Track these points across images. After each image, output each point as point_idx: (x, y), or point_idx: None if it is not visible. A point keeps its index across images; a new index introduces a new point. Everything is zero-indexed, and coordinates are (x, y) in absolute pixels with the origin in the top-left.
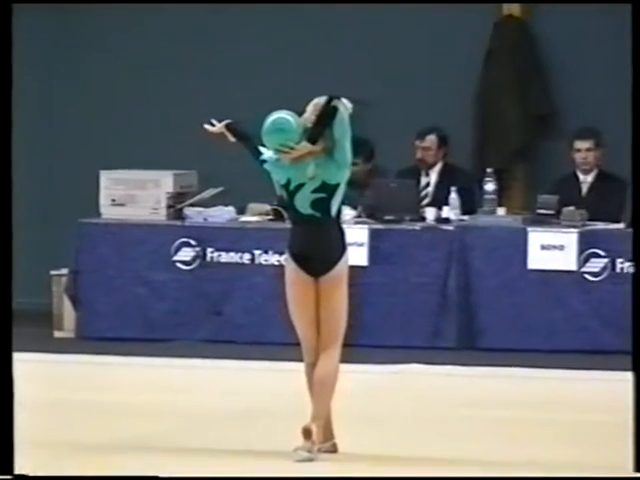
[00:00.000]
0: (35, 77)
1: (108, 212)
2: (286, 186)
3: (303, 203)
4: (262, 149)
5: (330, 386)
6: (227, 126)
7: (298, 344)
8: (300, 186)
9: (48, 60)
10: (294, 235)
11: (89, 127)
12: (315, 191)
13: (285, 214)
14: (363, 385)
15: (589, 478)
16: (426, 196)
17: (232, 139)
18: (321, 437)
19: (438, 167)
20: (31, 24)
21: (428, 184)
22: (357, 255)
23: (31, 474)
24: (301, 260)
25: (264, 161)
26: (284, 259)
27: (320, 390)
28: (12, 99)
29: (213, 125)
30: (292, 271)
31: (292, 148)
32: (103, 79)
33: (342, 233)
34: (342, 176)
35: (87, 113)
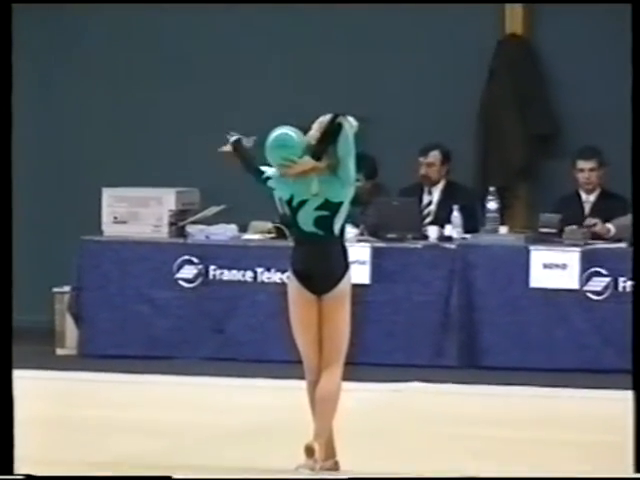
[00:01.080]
0: (38, 92)
1: (110, 230)
2: (289, 202)
3: (306, 220)
4: (264, 168)
5: (332, 404)
6: (234, 144)
7: (300, 362)
8: (303, 202)
9: (51, 76)
10: (297, 253)
11: (92, 144)
12: (318, 208)
13: (287, 232)
14: (365, 403)
15: (589, 478)
16: (428, 214)
17: (236, 159)
18: (323, 455)
19: (441, 185)
20: (33, 35)
21: (430, 202)
22: (359, 273)
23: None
24: (304, 278)
25: (268, 178)
26: (286, 277)
27: (322, 408)
28: (13, 115)
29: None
30: (295, 289)
31: (294, 162)
32: (107, 96)
33: (345, 251)
34: (345, 194)
35: (90, 130)
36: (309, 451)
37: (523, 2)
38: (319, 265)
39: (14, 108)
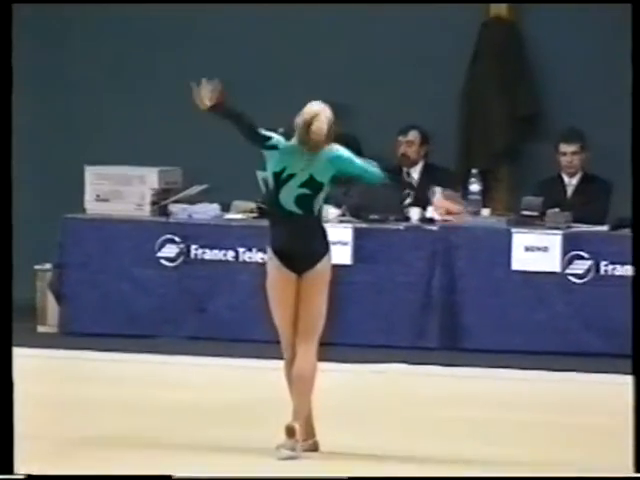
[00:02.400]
0: (20, 71)
1: (93, 207)
2: (278, 174)
3: (288, 198)
4: (270, 133)
5: (309, 382)
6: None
7: (279, 342)
8: (291, 176)
9: (34, 55)
10: (276, 232)
11: (74, 123)
12: (302, 185)
13: (267, 210)
14: (346, 384)
15: (589, 478)
16: (408, 195)
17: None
18: (303, 435)
19: (420, 166)
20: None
21: (410, 183)
22: (341, 254)
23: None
24: (284, 257)
25: (270, 145)
26: (267, 257)
27: (299, 387)
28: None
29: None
30: (274, 268)
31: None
32: (89, 75)
33: (324, 231)
34: (328, 176)
35: (72, 109)
36: (290, 431)
37: None
38: (299, 243)
39: None
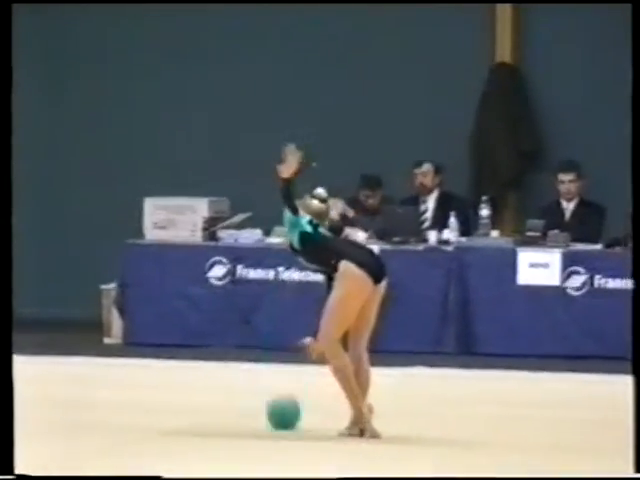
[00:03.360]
0: (88, 106)
1: (151, 234)
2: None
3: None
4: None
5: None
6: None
7: None
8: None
9: (98, 92)
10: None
11: (134, 157)
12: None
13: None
14: (374, 386)
15: (589, 478)
16: (425, 221)
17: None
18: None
19: (435, 194)
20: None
21: (426, 210)
22: None
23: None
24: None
25: (296, 218)
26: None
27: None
28: (61, 127)
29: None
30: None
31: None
32: (148, 116)
33: None
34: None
35: (132, 145)
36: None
37: (513, 2)
38: None
39: (61, 119)
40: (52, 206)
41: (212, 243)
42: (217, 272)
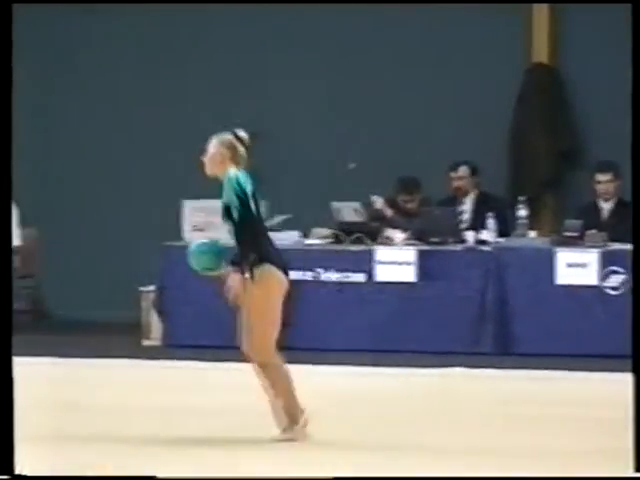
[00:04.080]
0: (124, 115)
1: (190, 236)
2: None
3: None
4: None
5: None
6: None
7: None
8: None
9: (139, 91)
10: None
11: (171, 161)
12: None
13: (343, 237)
14: (417, 387)
15: (590, 478)
16: (463, 221)
17: None
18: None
19: (472, 195)
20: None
21: (463, 211)
22: (407, 273)
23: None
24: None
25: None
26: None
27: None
28: (103, 133)
29: None
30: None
31: None
32: (188, 114)
33: None
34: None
35: (173, 149)
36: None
37: (550, 2)
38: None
39: (102, 122)
40: (92, 209)
41: None
42: None
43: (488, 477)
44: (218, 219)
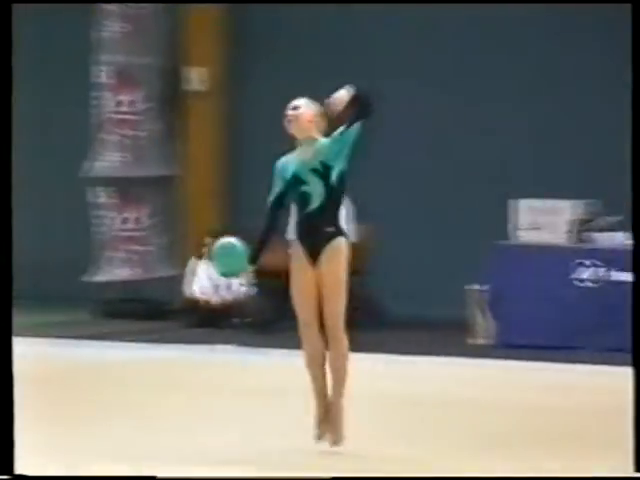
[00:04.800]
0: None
1: (521, 235)
2: None
3: None
4: None
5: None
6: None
7: None
8: None
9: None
10: None
11: (499, 160)
12: None
13: None
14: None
15: (590, 478)
16: None
17: None
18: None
19: None
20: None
21: None
22: None
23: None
24: None
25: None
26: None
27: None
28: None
29: None
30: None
31: None
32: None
33: None
34: None
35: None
36: None
37: None
38: None
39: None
40: (425, 207)
41: (578, 245)
42: (582, 274)
43: (488, 477)
44: (551, 218)
